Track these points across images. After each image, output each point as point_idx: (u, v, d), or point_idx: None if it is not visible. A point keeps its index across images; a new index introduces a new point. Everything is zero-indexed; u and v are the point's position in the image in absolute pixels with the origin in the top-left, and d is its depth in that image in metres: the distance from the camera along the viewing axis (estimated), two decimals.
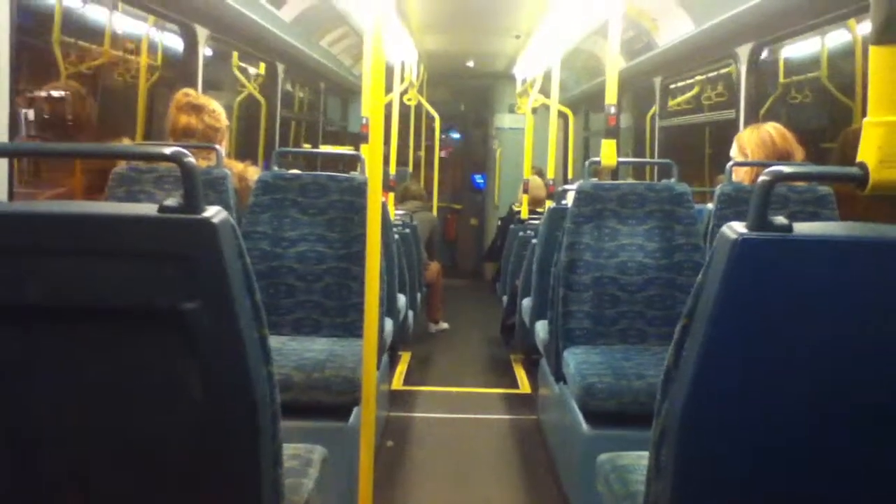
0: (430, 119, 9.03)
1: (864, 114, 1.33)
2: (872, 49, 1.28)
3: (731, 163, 3.22)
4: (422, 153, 9.64)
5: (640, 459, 1.81)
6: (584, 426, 2.79)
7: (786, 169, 1.31)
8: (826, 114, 5.23)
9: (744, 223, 1.27)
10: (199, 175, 1.29)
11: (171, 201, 1.27)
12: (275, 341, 3.00)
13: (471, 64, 9.19)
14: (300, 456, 1.84)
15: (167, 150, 1.32)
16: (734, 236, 1.25)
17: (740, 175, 3.23)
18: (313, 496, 1.72)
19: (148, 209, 1.29)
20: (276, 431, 1.43)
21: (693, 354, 1.31)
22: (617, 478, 1.82)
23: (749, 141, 3.19)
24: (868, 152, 1.29)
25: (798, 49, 4.98)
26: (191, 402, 1.33)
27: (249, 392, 1.33)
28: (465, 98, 11.04)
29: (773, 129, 3.18)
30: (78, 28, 4.68)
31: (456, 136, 10.62)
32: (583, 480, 2.69)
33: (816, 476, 1.34)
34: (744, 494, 1.36)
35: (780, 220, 1.25)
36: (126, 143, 4.54)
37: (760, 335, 1.28)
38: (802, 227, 1.27)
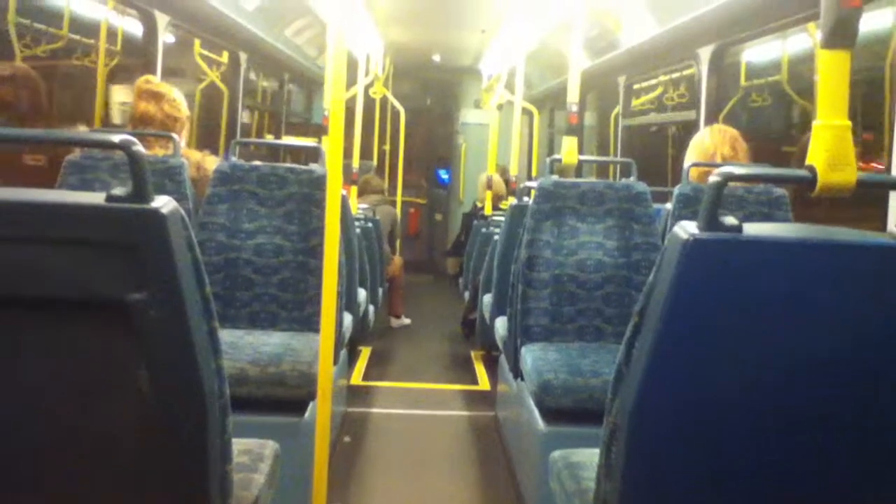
0: (396, 113, 8.99)
1: None
2: (821, 53, 1.30)
3: (688, 164, 3.26)
4: (387, 147, 9.58)
5: (592, 457, 1.82)
6: (541, 423, 2.80)
7: (736, 170, 1.32)
8: (786, 117, 5.32)
9: (696, 223, 1.28)
10: (147, 164, 1.27)
11: (119, 190, 1.25)
12: (230, 335, 2.97)
13: (437, 58, 9.17)
14: (251, 451, 1.81)
15: (115, 138, 1.29)
16: (685, 236, 1.26)
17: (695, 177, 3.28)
18: (264, 491, 1.70)
19: (96, 198, 1.26)
20: (225, 426, 1.41)
21: (643, 353, 1.31)
22: (569, 475, 1.82)
23: (692, 145, 3.32)
24: (817, 155, 1.31)
25: (759, 52, 5.06)
26: (137, 395, 1.30)
27: (197, 385, 1.31)
28: (431, 92, 11.00)
29: (709, 130, 3.31)
30: (35, 10, 4.58)
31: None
32: (538, 477, 2.71)
33: (767, 474, 1.35)
34: (692, 495, 1.37)
35: (731, 220, 1.26)
36: (82, 129, 4.45)
37: (710, 335, 1.29)
38: (752, 228, 1.28)
